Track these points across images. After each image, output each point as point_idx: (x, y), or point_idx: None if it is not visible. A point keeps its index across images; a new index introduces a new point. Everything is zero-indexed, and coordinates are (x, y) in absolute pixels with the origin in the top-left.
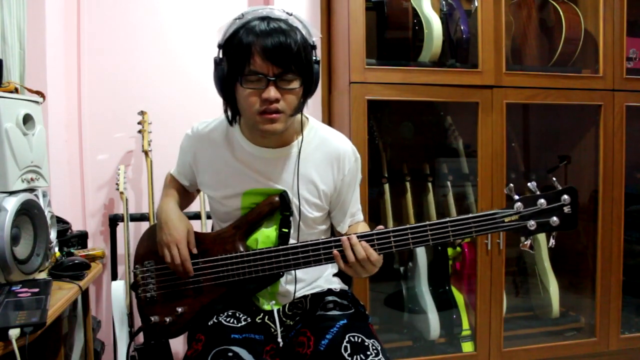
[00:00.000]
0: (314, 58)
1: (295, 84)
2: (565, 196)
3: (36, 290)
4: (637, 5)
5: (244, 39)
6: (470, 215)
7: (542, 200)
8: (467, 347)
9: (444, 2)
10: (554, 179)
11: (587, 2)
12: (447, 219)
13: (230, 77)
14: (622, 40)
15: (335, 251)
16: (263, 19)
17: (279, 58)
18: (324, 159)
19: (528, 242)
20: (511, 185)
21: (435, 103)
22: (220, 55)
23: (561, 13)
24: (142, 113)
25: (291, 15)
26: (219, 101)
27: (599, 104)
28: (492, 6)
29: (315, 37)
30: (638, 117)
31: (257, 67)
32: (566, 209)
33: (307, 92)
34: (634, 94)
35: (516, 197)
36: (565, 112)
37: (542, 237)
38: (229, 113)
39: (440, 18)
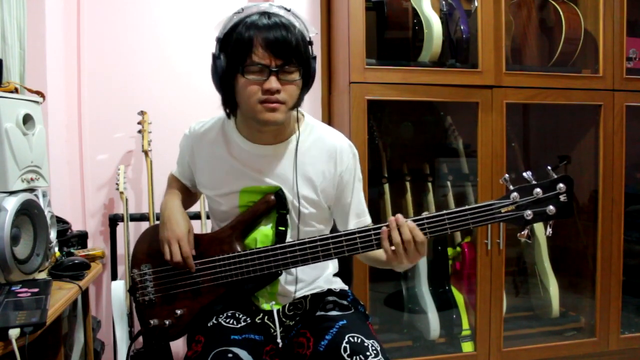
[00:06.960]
0: (311, 53)
1: (295, 76)
2: (561, 184)
3: (36, 290)
4: (637, 5)
5: (245, 32)
6: (467, 206)
7: (538, 190)
8: (467, 347)
9: (444, 2)
10: (549, 167)
11: (587, 2)
12: (444, 211)
13: (230, 69)
14: (622, 40)
15: (384, 228)
16: (263, 13)
17: (280, 50)
18: (321, 155)
19: (525, 232)
20: (507, 175)
21: (435, 103)
22: (219, 49)
23: (561, 13)
24: (142, 113)
25: (289, 11)
26: (218, 101)
27: (599, 104)
28: (492, 6)
29: (312, 33)
30: (638, 117)
31: (259, 58)
32: (562, 198)
33: (306, 85)
34: (634, 94)
35: (512, 187)
36: (565, 112)
37: (542, 236)
38: (228, 107)
39: (440, 18)
